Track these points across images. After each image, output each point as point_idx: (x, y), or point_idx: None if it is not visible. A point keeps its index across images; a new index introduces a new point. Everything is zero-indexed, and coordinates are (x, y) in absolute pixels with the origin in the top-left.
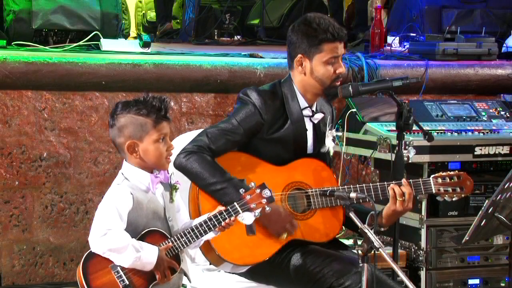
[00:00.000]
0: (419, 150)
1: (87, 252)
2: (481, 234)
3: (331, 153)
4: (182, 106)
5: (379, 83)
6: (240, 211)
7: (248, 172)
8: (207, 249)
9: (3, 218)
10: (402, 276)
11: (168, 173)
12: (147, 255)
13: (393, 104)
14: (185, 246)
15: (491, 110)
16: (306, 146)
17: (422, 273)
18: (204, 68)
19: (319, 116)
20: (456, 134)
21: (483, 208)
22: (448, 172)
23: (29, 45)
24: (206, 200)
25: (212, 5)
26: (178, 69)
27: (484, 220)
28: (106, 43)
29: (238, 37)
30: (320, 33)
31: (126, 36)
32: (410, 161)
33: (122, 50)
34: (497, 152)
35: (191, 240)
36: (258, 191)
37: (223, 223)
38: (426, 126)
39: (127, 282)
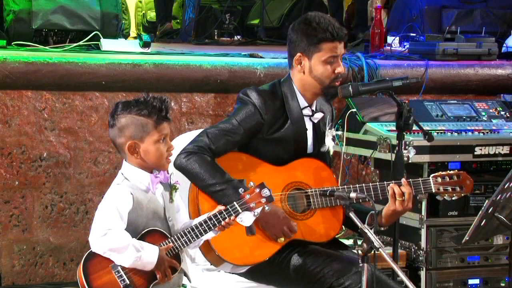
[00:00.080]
0: (419, 150)
1: (88, 252)
2: (481, 234)
3: (331, 153)
4: (182, 106)
5: (379, 83)
6: (240, 210)
7: (248, 172)
8: (207, 249)
9: (3, 218)
10: (402, 276)
11: (168, 173)
12: (147, 255)
13: (393, 104)
14: (185, 245)
15: (491, 110)
16: (306, 146)
17: (422, 273)
18: (204, 68)
19: (318, 115)
20: (456, 134)
21: (483, 208)
22: (448, 171)
23: (29, 45)
24: (206, 200)
25: (212, 5)
26: (178, 69)
27: (484, 220)
28: (106, 43)
29: (238, 37)
30: (320, 32)
31: (126, 36)
32: (410, 161)
33: (122, 50)
34: (497, 152)
35: (191, 239)
36: (257, 190)
37: (222, 223)
38: (426, 126)
39: (128, 282)
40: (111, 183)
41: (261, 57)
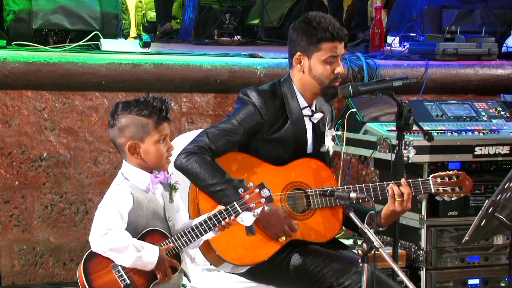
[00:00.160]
0: (419, 150)
1: (88, 252)
2: (481, 234)
3: (331, 153)
4: (182, 106)
5: (379, 83)
6: (240, 211)
7: (247, 172)
8: (207, 249)
9: (3, 218)
10: (402, 276)
11: (168, 173)
12: (148, 255)
13: (393, 104)
14: (185, 245)
15: (491, 110)
16: (306, 146)
17: (422, 273)
18: (204, 68)
19: (318, 115)
20: (456, 134)
21: (483, 208)
22: (447, 172)
23: (29, 45)
24: (206, 200)
25: (212, 5)
26: (178, 69)
27: (484, 220)
28: (106, 43)
29: (238, 37)
30: (320, 31)
31: (126, 36)
32: (410, 161)
33: (122, 50)
34: (497, 152)
35: (191, 239)
36: (257, 190)
37: (222, 223)
38: (426, 126)
39: (128, 282)
40: (111, 183)
41: (261, 57)
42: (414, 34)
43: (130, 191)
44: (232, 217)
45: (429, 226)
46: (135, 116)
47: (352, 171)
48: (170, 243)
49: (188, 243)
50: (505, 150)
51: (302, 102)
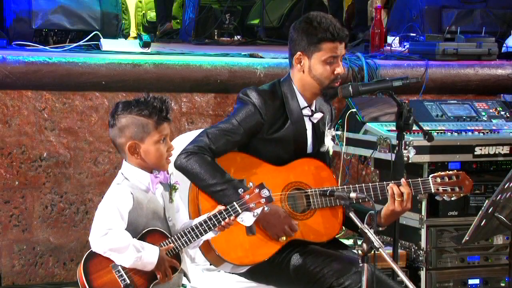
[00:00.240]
0: (419, 150)
1: (88, 252)
2: (481, 234)
3: (331, 153)
4: (182, 106)
5: (379, 83)
6: (240, 211)
7: (247, 172)
8: (207, 249)
9: (3, 218)
10: (402, 276)
11: (168, 174)
12: (148, 255)
13: (393, 104)
14: (185, 245)
15: (491, 110)
16: (306, 146)
17: (422, 273)
18: (204, 68)
19: (318, 115)
20: (456, 134)
21: (483, 208)
22: (447, 171)
23: (29, 45)
24: (206, 200)
25: (212, 5)
26: (178, 69)
27: (484, 220)
28: (106, 43)
29: (238, 37)
30: (320, 31)
31: (126, 36)
32: (410, 161)
33: (122, 50)
34: (497, 152)
35: (191, 239)
36: (256, 191)
37: (222, 223)
38: (426, 126)
39: (128, 281)
40: (111, 183)
41: (261, 57)
42: (414, 34)
43: (130, 191)
44: (232, 217)
45: (429, 226)
46: (135, 116)
47: (352, 171)
48: (170, 243)
49: (188, 243)
50: (505, 150)
51: (302, 102)
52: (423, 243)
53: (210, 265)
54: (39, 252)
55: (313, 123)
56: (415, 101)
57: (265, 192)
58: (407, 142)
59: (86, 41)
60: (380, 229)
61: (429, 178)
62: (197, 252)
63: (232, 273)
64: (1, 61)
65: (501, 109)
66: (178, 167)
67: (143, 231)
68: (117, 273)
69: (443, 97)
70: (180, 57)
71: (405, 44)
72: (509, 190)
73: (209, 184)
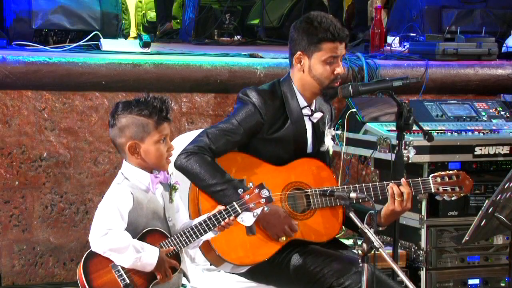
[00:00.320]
0: (419, 150)
1: (88, 252)
2: (481, 234)
3: (331, 152)
4: (182, 106)
5: (379, 83)
6: (239, 211)
7: (247, 172)
8: (207, 249)
9: (3, 218)
10: (402, 276)
11: (168, 174)
12: (147, 256)
13: (393, 104)
14: (184, 245)
15: (491, 110)
16: (306, 145)
17: (422, 273)
18: (204, 68)
19: (318, 115)
20: (456, 134)
21: (483, 208)
22: (447, 171)
23: (29, 45)
24: (206, 200)
25: (212, 5)
26: (178, 69)
27: (484, 220)
28: (106, 43)
29: (238, 37)
30: (321, 31)
31: (126, 36)
32: (410, 161)
33: (122, 50)
34: (497, 152)
35: (190, 239)
36: (256, 191)
37: (222, 223)
38: (426, 126)
39: (128, 281)
40: (111, 183)
41: (261, 57)
42: (414, 34)
43: (130, 191)
44: (231, 217)
45: (429, 226)
46: (135, 116)
47: (352, 171)
48: (170, 243)
49: (188, 243)
50: (505, 150)
51: (302, 102)
52: (423, 243)
53: (210, 265)
54: (39, 252)
55: (313, 123)
56: (415, 101)
57: (265, 192)
58: (407, 142)
59: (86, 41)
60: (380, 229)
61: (429, 178)
62: (197, 252)
63: (232, 273)
64: (1, 61)
65: (501, 109)
66: (178, 167)
67: (143, 231)
68: (116, 273)
69: (443, 97)
70: (180, 57)
71: (405, 44)
72: (509, 190)
73: (209, 184)
